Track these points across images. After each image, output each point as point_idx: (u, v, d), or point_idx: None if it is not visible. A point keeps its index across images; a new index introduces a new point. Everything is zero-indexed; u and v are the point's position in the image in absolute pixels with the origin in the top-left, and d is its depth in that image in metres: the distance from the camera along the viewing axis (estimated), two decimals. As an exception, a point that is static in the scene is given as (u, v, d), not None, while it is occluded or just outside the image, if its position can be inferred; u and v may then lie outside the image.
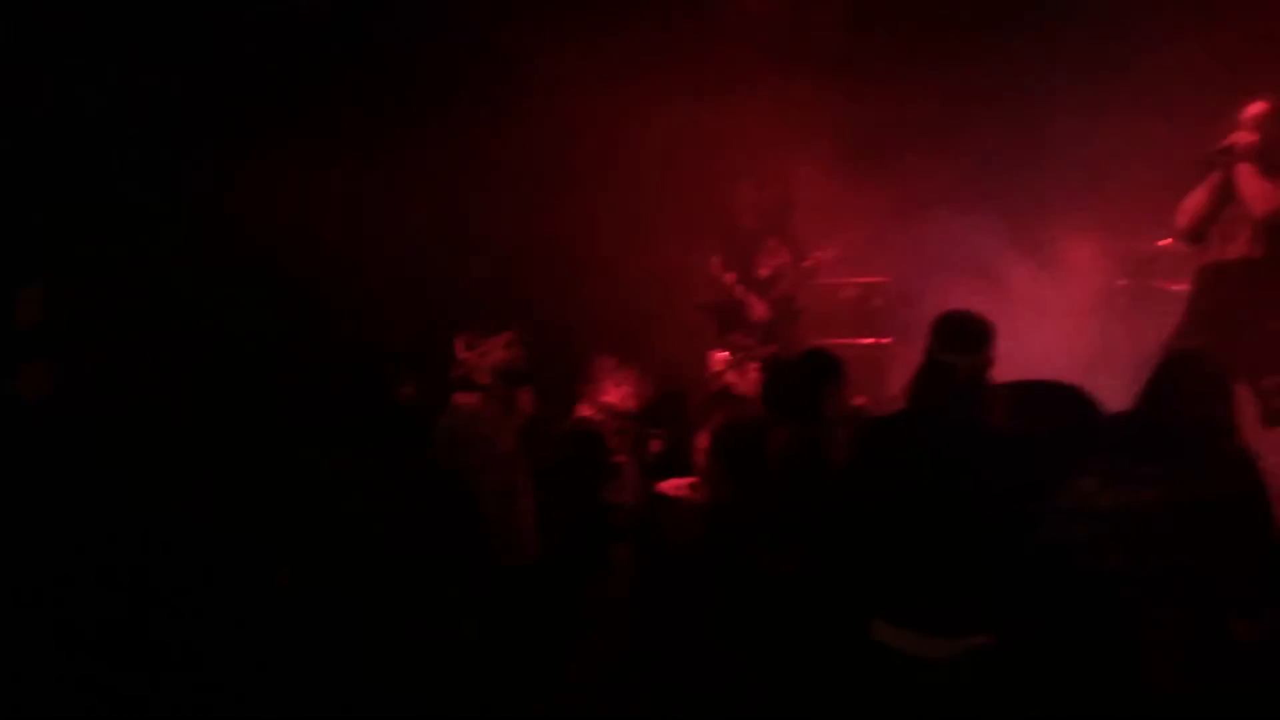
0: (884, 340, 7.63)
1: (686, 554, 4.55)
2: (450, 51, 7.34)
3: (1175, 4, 7.21)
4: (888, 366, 7.37)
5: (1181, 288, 6.31)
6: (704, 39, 7.75)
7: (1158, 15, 6.95)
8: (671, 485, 5.18)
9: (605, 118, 7.24)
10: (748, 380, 5.81)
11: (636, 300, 7.31)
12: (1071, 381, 4.38)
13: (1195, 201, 5.18)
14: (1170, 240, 6.17)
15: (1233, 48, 6.52)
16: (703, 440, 5.67)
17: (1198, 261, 5.23)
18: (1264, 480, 3.27)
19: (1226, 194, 5.07)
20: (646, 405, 5.61)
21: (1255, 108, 5.04)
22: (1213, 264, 5.15)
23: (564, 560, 4.73)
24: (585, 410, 5.40)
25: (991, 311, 6.11)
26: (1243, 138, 5.00)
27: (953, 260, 7.24)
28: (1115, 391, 3.91)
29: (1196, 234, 5.22)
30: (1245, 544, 3.09)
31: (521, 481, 4.78)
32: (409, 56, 7.28)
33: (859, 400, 5.03)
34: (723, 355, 6.07)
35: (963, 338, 3.55)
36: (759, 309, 7.28)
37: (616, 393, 5.42)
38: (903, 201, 7.62)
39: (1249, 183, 4.95)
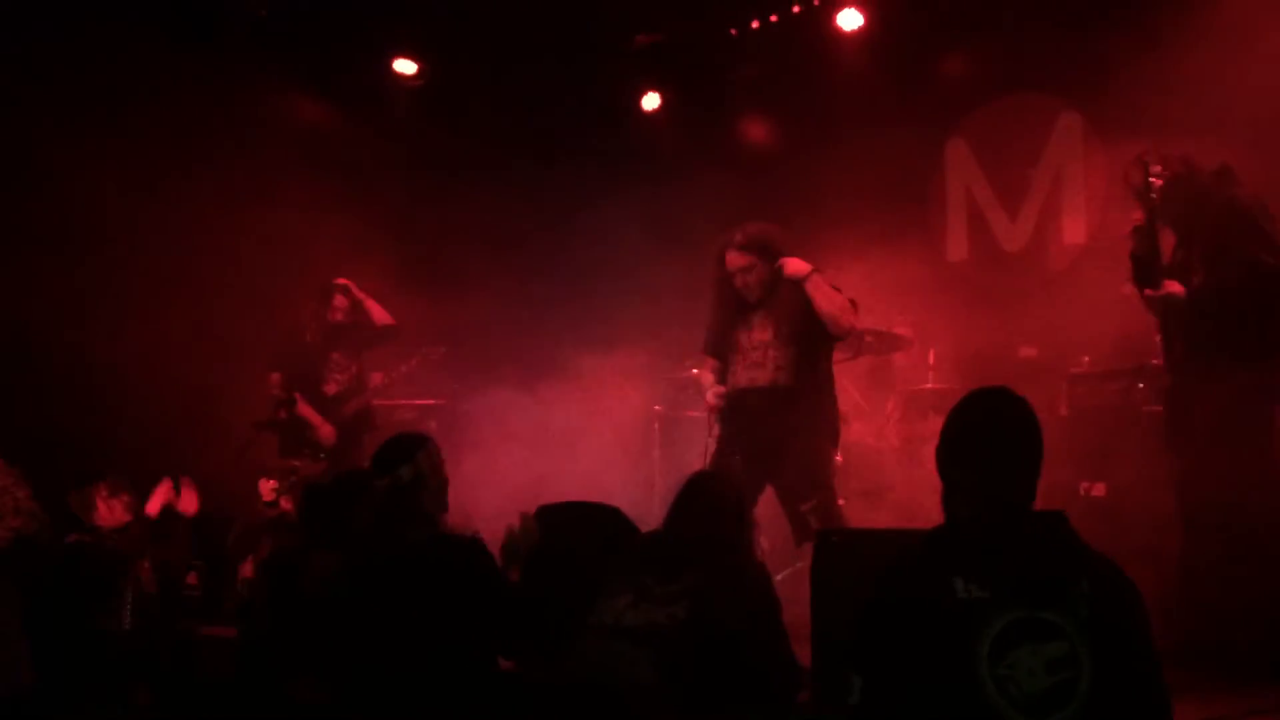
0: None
1: (217, 692, 4.27)
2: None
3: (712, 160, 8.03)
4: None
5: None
6: (271, 151, 7.63)
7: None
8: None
9: (144, 227, 6.91)
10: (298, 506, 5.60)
11: (181, 418, 6.90)
12: (609, 503, 4.61)
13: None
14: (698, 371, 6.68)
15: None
16: (247, 570, 5.39)
17: (730, 385, 5.27)
18: (773, 593, 3.56)
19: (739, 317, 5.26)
20: (176, 531, 5.25)
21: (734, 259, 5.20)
22: (735, 391, 5.22)
23: (62, 691, 4.27)
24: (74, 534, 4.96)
25: (538, 433, 6.33)
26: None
27: (505, 382, 7.44)
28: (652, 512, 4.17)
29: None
30: (758, 655, 3.34)
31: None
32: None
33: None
34: (270, 484, 5.82)
35: (380, 459, 3.76)
36: (326, 430, 6.82)
37: (108, 513, 5.01)
38: (459, 325, 7.79)
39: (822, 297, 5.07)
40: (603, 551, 3.88)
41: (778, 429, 5.07)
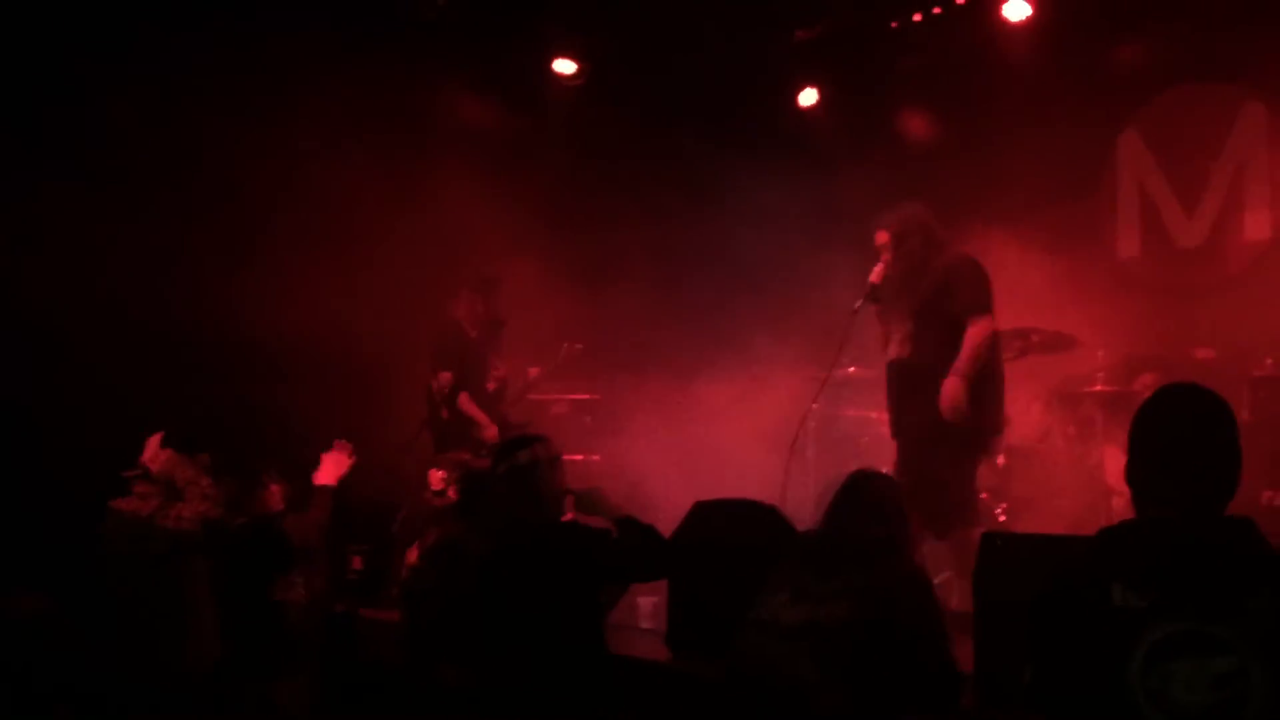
0: (594, 457, 7.70)
1: (378, 672, 4.42)
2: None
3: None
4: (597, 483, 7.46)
5: (862, 414, 6.73)
6: (428, 148, 7.85)
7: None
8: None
9: (317, 210, 7.15)
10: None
11: (352, 406, 7.12)
12: (765, 500, 4.59)
13: None
14: (855, 368, 6.60)
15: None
16: (412, 555, 5.53)
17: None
18: (935, 596, 3.50)
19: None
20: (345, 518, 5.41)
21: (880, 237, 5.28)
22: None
23: (244, 664, 4.48)
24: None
25: (693, 430, 6.30)
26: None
27: (657, 380, 7.47)
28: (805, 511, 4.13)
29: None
30: (918, 657, 3.28)
31: (191, 582, 4.62)
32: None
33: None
34: (440, 474, 5.96)
35: (506, 449, 4.04)
36: (491, 431, 6.84)
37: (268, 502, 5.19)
38: (611, 320, 7.86)
39: None
40: (761, 549, 3.87)
41: (900, 405, 5.21)
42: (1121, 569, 2.29)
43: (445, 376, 6.87)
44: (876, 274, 5.25)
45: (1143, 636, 2.22)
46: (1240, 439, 2.42)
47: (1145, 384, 6.58)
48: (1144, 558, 2.31)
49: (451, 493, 5.75)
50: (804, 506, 5.53)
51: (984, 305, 5.03)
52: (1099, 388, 6.71)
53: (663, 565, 4.06)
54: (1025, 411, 6.88)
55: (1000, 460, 6.56)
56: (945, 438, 4.96)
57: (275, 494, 5.15)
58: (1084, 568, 2.37)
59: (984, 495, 6.38)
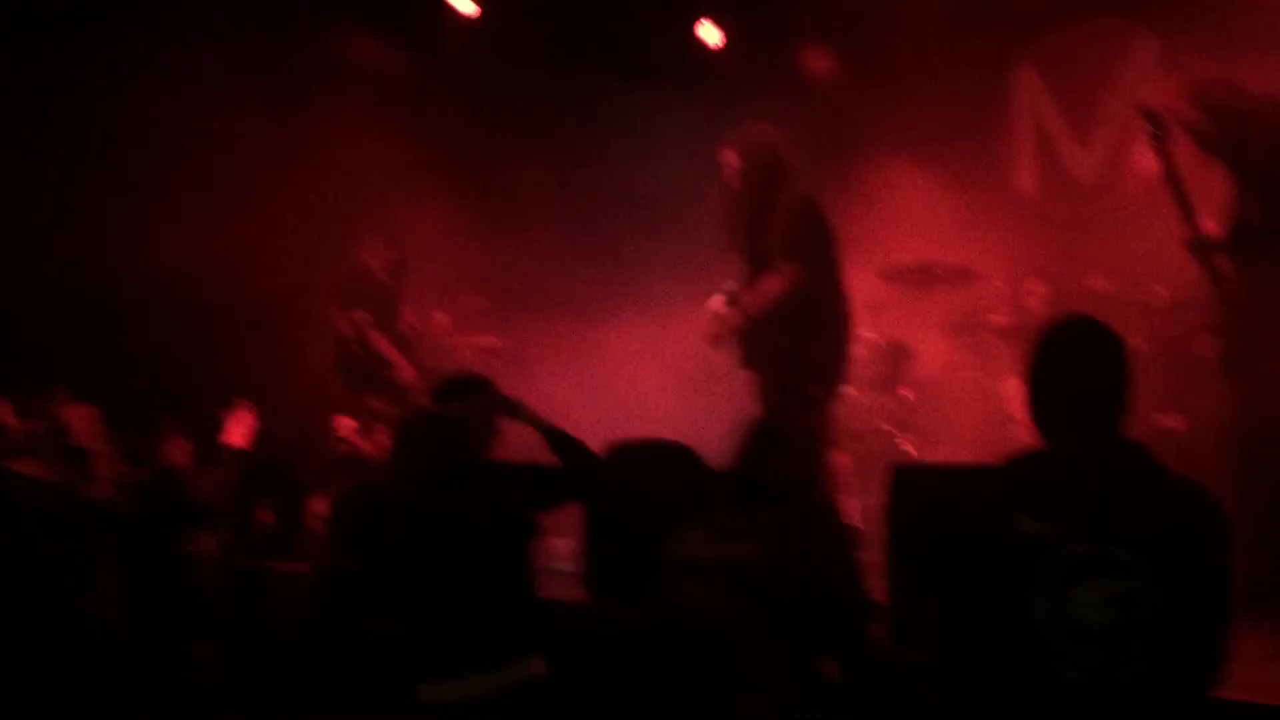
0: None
1: (291, 627, 4.35)
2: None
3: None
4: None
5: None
6: (321, 89, 7.64)
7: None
8: None
9: (207, 156, 6.95)
10: (377, 445, 5.59)
11: (240, 342, 6.95)
12: (677, 440, 4.61)
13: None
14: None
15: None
16: (319, 506, 5.44)
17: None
18: (846, 531, 3.55)
19: None
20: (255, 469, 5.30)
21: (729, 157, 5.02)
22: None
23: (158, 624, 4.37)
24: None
25: (604, 371, 6.26)
26: None
27: (565, 324, 7.42)
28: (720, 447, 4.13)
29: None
30: (831, 590, 3.33)
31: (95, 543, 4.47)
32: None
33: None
34: (348, 421, 5.85)
35: (449, 388, 3.75)
36: (408, 371, 6.73)
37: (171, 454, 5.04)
38: (516, 264, 7.78)
39: None
40: (676, 489, 3.89)
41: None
42: (1023, 497, 2.34)
43: (360, 315, 6.75)
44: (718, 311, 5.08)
45: (1046, 561, 2.27)
46: (1134, 365, 2.48)
47: (1038, 295, 6.69)
48: (1045, 485, 2.36)
49: (360, 441, 5.66)
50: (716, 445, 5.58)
51: (795, 250, 4.79)
52: (998, 318, 6.85)
53: (594, 480, 3.92)
54: (928, 344, 7.01)
55: (908, 393, 6.69)
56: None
57: (179, 447, 5.03)
58: (986, 498, 2.41)
59: (888, 428, 6.52)
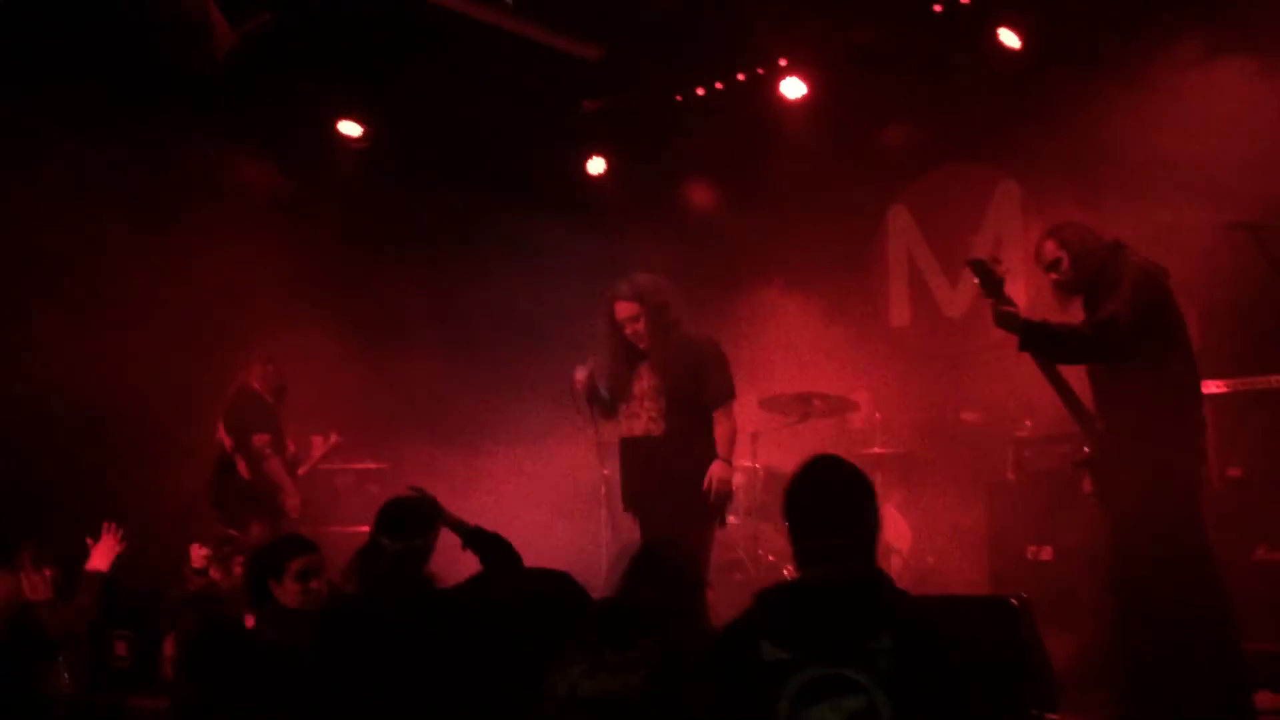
0: (380, 528, 7.45)
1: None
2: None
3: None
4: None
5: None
6: (203, 207, 7.53)
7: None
8: None
9: (78, 271, 6.82)
10: (232, 577, 5.34)
11: (119, 476, 6.69)
12: (559, 569, 4.53)
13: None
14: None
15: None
16: (169, 647, 5.20)
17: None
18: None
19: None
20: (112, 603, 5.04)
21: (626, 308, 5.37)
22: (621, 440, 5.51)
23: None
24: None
25: (483, 498, 6.19)
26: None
27: (444, 448, 7.33)
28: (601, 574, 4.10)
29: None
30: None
31: None
32: None
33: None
34: (202, 550, 5.61)
35: (397, 523, 3.68)
36: (294, 499, 6.53)
37: (31, 588, 4.77)
38: (397, 386, 7.69)
39: None
40: (554, 618, 3.81)
41: (650, 479, 5.33)
42: (769, 627, 2.55)
43: (262, 439, 6.59)
44: (581, 380, 5.52)
45: (788, 685, 2.46)
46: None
47: (917, 447, 6.88)
48: (788, 615, 2.58)
49: (213, 572, 5.42)
50: (598, 572, 5.53)
51: (731, 391, 5.38)
52: (877, 449, 6.99)
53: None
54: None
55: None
56: (695, 511, 5.23)
57: (43, 579, 4.77)
58: (738, 629, 2.63)
59: (772, 558, 6.53)
